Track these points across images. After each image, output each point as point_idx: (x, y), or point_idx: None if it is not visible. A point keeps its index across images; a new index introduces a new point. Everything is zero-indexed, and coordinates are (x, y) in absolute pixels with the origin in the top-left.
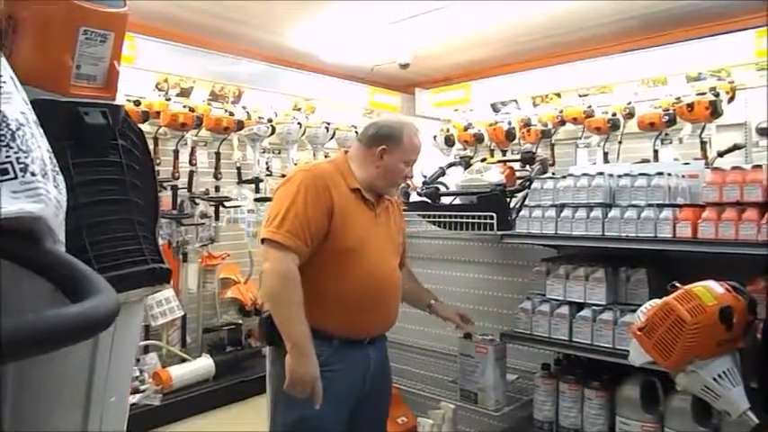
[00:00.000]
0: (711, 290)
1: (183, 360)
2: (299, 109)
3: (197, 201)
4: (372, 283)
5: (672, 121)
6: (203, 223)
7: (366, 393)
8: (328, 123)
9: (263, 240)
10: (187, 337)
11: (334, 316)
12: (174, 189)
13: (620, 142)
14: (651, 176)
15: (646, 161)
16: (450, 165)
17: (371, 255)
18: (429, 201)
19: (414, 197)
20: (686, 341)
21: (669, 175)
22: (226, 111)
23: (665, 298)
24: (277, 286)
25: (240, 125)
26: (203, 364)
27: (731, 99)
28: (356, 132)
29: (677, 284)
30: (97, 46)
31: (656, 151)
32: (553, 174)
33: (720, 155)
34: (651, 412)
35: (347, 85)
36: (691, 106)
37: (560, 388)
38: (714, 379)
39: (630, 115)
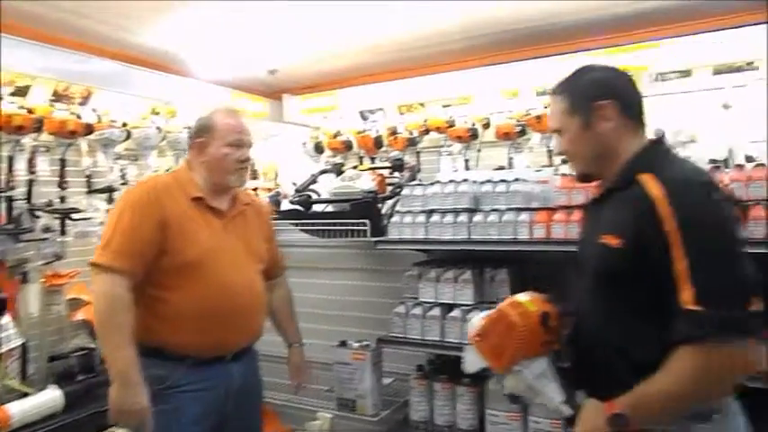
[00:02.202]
0: (533, 298)
1: (25, 394)
2: (158, 113)
3: (38, 213)
4: (225, 296)
5: (523, 132)
6: (46, 238)
7: (231, 412)
8: (191, 128)
9: (91, 265)
10: (29, 368)
11: (186, 333)
12: (9, 200)
13: (478, 150)
14: (510, 182)
15: (502, 168)
16: (322, 172)
17: (222, 266)
18: (301, 208)
19: (285, 205)
20: (516, 342)
21: (525, 180)
22: (72, 113)
23: (498, 306)
24: (101, 310)
25: (89, 129)
26: (49, 397)
27: None
28: None
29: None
30: None
31: (510, 159)
32: (420, 180)
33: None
34: (517, 403)
35: (209, 88)
36: (539, 118)
37: (434, 387)
38: (536, 377)
39: (488, 125)
